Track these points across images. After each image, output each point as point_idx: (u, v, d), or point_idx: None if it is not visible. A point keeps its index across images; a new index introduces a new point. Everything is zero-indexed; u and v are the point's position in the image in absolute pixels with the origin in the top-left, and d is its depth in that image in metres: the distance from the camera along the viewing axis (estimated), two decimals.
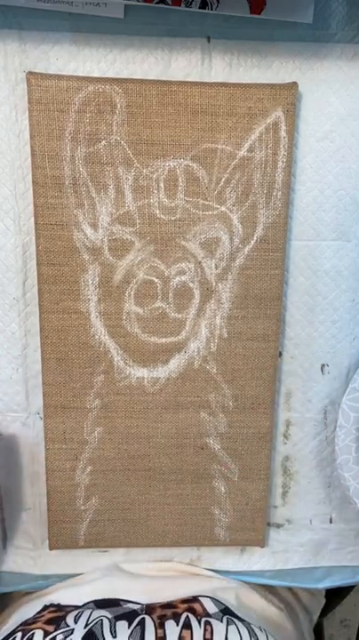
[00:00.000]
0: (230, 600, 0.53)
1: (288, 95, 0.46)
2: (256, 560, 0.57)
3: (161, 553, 0.56)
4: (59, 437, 0.51)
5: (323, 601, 0.67)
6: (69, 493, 0.53)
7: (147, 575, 0.55)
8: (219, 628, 0.46)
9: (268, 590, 0.59)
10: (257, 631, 0.47)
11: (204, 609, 0.49)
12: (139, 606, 0.50)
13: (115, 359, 0.50)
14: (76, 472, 0.52)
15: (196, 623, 0.46)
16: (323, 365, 0.53)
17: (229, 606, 0.50)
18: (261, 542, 0.56)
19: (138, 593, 0.52)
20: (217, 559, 0.57)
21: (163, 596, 0.51)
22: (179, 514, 0.54)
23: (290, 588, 0.62)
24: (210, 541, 0.55)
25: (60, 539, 0.54)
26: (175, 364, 0.50)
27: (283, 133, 0.46)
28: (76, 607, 0.50)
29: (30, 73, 0.45)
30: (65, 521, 0.53)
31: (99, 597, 0.51)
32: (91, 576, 0.55)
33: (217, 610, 0.49)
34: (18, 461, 0.53)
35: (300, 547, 0.57)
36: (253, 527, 0.55)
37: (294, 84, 0.46)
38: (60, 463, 0.52)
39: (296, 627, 0.59)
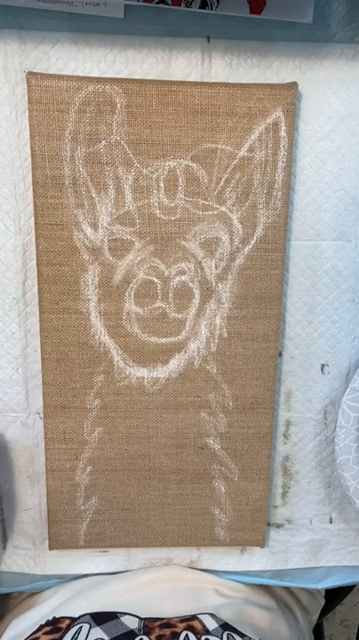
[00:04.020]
0: (229, 616, 0.52)
1: (288, 95, 0.46)
2: (256, 560, 0.57)
3: (161, 553, 0.56)
4: (59, 437, 0.51)
5: (323, 601, 0.67)
6: (69, 493, 0.53)
7: (144, 585, 0.54)
8: None
9: (267, 595, 0.58)
10: None
11: (204, 626, 0.48)
12: (136, 623, 0.49)
13: (115, 359, 0.50)
14: (76, 472, 0.52)
15: None
16: (323, 365, 0.53)
17: (229, 621, 0.50)
18: (261, 542, 0.56)
19: (135, 605, 0.51)
20: (217, 559, 0.57)
21: (161, 612, 0.51)
22: (179, 514, 0.54)
23: (288, 589, 0.62)
24: (210, 541, 0.55)
25: (60, 539, 0.54)
26: (175, 364, 0.50)
27: (283, 133, 0.46)
28: (72, 620, 0.49)
29: (30, 73, 0.45)
30: (65, 521, 0.53)
31: (96, 610, 0.50)
32: (87, 583, 0.55)
33: (217, 625, 0.49)
34: (18, 461, 0.53)
35: (300, 547, 0.57)
36: (253, 527, 0.55)
37: (294, 84, 0.46)
38: (60, 463, 0.52)
39: (295, 628, 0.59)
